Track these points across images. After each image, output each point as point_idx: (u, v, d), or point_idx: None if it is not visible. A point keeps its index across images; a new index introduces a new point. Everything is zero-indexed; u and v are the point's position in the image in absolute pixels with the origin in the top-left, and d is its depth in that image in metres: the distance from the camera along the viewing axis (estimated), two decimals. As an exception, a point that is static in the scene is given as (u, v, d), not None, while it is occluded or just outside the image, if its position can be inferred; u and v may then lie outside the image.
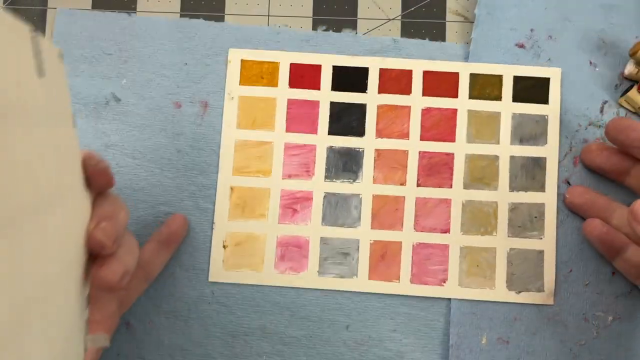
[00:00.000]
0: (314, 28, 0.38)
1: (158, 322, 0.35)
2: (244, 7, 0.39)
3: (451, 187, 0.36)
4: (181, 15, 0.38)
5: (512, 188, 0.36)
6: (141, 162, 0.36)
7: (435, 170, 0.36)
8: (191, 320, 0.35)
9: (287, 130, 0.36)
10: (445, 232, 0.36)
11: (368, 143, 0.36)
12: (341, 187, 0.36)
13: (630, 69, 0.35)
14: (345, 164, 0.36)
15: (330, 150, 0.36)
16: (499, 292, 0.35)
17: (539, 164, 0.36)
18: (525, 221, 0.36)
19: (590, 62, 0.36)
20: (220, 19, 0.38)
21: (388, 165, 0.36)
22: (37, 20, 0.38)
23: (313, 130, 0.36)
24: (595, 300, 0.35)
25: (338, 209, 0.36)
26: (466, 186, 0.36)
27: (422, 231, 0.36)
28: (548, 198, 0.36)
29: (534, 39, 0.37)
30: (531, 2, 0.37)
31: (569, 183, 0.36)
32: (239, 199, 0.35)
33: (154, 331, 0.35)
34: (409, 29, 0.39)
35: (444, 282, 0.35)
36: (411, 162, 0.36)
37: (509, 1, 0.37)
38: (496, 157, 0.36)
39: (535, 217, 0.36)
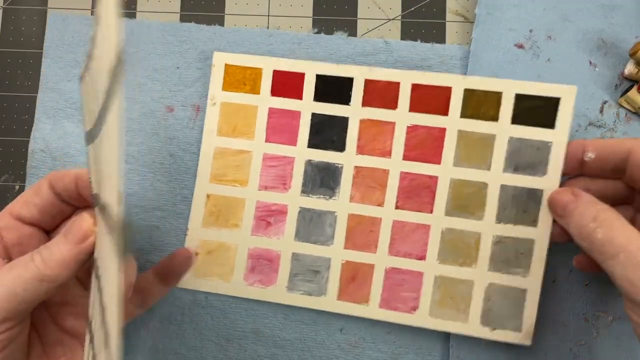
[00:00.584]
0: (314, 28, 0.37)
1: (152, 327, 0.36)
2: (244, 7, 0.38)
3: (432, 212, 0.34)
4: (181, 16, 0.38)
5: (499, 220, 0.33)
6: (134, 167, 0.37)
7: (416, 193, 0.34)
8: (185, 324, 0.36)
9: (267, 140, 0.35)
10: (421, 259, 0.34)
11: (348, 159, 0.34)
12: (317, 203, 0.35)
13: (630, 69, 0.35)
14: (322, 179, 0.35)
15: (309, 164, 0.35)
16: (472, 326, 0.33)
17: (534, 196, 0.32)
18: (510, 257, 0.33)
19: (590, 62, 0.36)
20: (221, 19, 0.38)
21: (366, 184, 0.34)
22: (37, 20, 0.39)
23: (293, 141, 0.35)
24: (595, 300, 0.34)
25: (312, 225, 0.35)
26: (448, 213, 0.34)
27: (396, 255, 0.34)
28: (539, 234, 0.32)
29: (533, 39, 0.35)
30: (530, 2, 0.36)
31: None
32: (214, 207, 0.36)
33: (149, 336, 0.36)
34: (409, 29, 0.37)
35: (415, 310, 0.34)
36: (391, 182, 0.34)
37: (509, 1, 0.36)
38: (485, 185, 0.33)
39: (522, 253, 0.33)
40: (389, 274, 0.34)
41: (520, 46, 0.35)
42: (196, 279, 0.35)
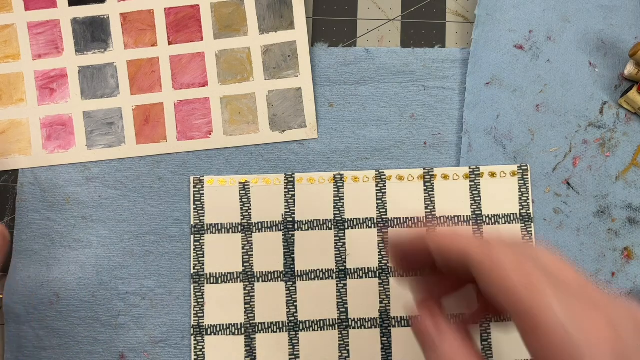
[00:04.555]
0: (314, 28, 0.37)
1: (152, 351, 0.35)
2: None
3: (202, 39, 0.36)
4: None
5: (262, 30, 0.36)
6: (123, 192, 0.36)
7: (184, 25, 0.36)
8: (185, 347, 0.35)
9: (27, 9, 0.35)
10: (204, 86, 0.36)
11: (111, 8, 0.35)
12: (94, 58, 0.36)
13: (630, 69, 0.35)
14: (93, 34, 0.36)
15: (75, 22, 0.35)
16: (264, 134, 0.36)
17: (284, 1, 0.35)
18: (280, 61, 0.36)
19: (590, 63, 0.36)
20: None
21: (136, 28, 0.36)
22: None
23: (53, 4, 0.35)
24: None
25: (95, 81, 0.36)
26: (217, 36, 0.36)
27: (180, 88, 0.36)
28: (298, 34, 0.35)
29: (532, 40, 0.36)
30: (530, 3, 0.36)
31: (569, 184, 0.36)
32: (-7, 87, 0.35)
33: None
34: (409, 30, 0.37)
35: (210, 134, 0.36)
36: (158, 20, 0.36)
37: (508, 2, 0.36)
38: (241, 1, 0.35)
39: (289, 55, 0.36)
40: (179, 107, 0.36)
41: (520, 47, 0.36)
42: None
